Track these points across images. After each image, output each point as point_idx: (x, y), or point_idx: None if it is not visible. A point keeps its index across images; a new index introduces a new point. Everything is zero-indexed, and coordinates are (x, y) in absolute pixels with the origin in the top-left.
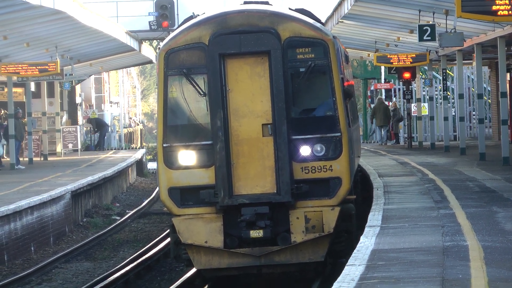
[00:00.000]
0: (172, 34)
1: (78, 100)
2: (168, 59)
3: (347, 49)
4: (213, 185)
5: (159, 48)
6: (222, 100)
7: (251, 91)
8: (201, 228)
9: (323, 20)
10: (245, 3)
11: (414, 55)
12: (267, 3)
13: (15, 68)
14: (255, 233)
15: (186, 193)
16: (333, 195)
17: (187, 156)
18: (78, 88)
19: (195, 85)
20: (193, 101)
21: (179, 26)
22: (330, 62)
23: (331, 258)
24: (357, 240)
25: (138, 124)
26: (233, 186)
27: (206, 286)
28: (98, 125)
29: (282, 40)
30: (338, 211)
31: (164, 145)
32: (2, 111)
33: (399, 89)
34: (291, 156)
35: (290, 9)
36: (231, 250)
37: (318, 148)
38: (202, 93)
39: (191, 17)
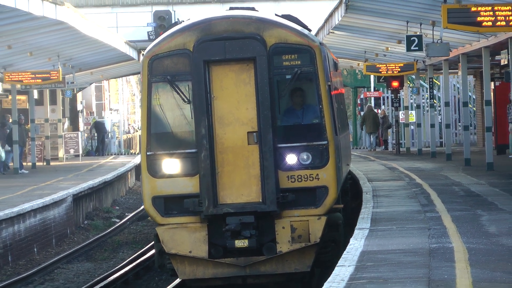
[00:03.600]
0: (156, 41)
1: (79, 107)
2: (152, 66)
3: (338, 59)
4: (197, 194)
5: (142, 54)
6: (206, 107)
7: (236, 98)
8: (185, 238)
9: (314, 31)
10: (231, 9)
11: (402, 65)
12: (253, 9)
13: (18, 77)
14: (240, 243)
15: (170, 202)
16: (319, 204)
17: (171, 165)
18: (79, 95)
19: (179, 92)
20: (177, 109)
21: (163, 32)
22: (316, 69)
23: (317, 268)
24: (345, 248)
25: (137, 131)
26: (217, 195)
27: None
28: (97, 128)
29: (268, 47)
30: (325, 220)
31: (148, 153)
32: (8, 118)
33: (387, 97)
34: (276, 165)
35: (276, 15)
36: (215, 260)
37: (305, 157)
38: (186, 100)
39: (175, 23)
